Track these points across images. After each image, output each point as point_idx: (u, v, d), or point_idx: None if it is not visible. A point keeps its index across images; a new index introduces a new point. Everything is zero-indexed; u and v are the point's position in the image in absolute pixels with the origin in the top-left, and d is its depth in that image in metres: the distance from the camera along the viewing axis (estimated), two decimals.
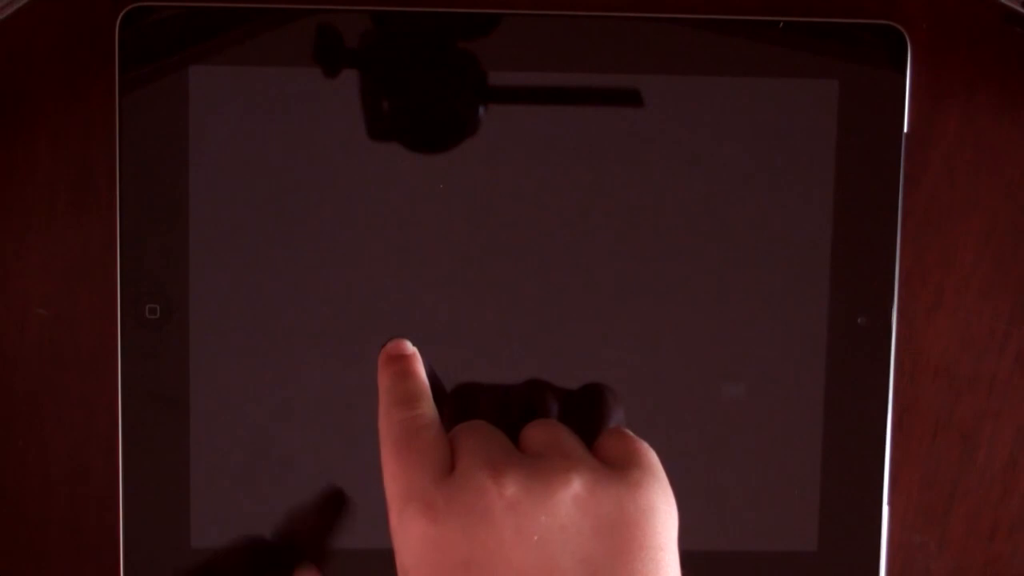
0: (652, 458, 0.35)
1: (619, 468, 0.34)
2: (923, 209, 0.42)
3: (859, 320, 0.40)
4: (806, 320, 0.40)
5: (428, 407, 0.36)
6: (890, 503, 0.41)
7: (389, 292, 0.39)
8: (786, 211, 0.40)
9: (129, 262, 0.39)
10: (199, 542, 0.39)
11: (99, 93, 0.40)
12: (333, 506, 0.40)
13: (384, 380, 0.37)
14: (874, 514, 0.40)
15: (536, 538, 0.32)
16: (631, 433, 0.36)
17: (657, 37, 0.39)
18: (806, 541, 0.40)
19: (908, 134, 0.40)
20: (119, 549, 0.39)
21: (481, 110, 0.39)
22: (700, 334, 0.40)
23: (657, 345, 0.40)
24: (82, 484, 0.41)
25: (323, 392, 0.39)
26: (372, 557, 0.39)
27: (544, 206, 0.39)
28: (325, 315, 0.39)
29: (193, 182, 0.39)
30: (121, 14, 0.38)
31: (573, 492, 0.33)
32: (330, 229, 0.39)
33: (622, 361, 0.40)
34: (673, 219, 0.39)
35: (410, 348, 0.38)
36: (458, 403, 0.39)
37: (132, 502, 0.39)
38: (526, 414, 0.39)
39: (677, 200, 0.39)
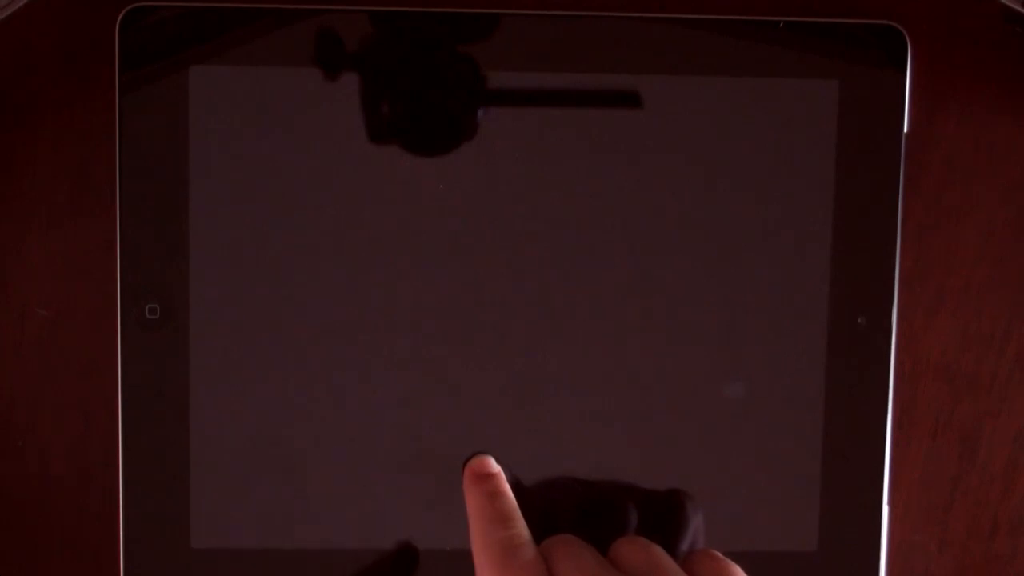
0: None
1: None
2: (923, 209, 0.42)
3: (859, 320, 0.40)
4: (806, 320, 0.40)
5: (522, 526, 0.36)
6: (890, 503, 0.41)
7: (388, 292, 0.39)
8: (786, 211, 0.40)
9: (129, 262, 0.39)
10: (199, 542, 0.39)
11: (99, 93, 0.40)
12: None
13: (475, 499, 0.37)
14: (874, 514, 0.40)
15: None
16: (722, 556, 0.36)
17: (656, 37, 0.39)
18: (806, 541, 0.40)
19: (908, 134, 0.40)
20: (119, 549, 0.39)
21: (480, 111, 0.39)
22: (700, 334, 0.40)
23: (657, 345, 0.40)
24: (82, 484, 0.41)
25: (323, 392, 0.39)
26: (372, 557, 0.39)
27: (544, 206, 0.39)
28: (325, 315, 0.39)
29: (193, 182, 0.39)
30: (121, 14, 0.38)
31: None
32: (329, 229, 0.39)
33: (622, 360, 0.39)
34: (673, 219, 0.39)
35: (495, 466, 0.39)
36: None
37: (132, 502, 0.39)
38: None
39: (677, 200, 0.39)
